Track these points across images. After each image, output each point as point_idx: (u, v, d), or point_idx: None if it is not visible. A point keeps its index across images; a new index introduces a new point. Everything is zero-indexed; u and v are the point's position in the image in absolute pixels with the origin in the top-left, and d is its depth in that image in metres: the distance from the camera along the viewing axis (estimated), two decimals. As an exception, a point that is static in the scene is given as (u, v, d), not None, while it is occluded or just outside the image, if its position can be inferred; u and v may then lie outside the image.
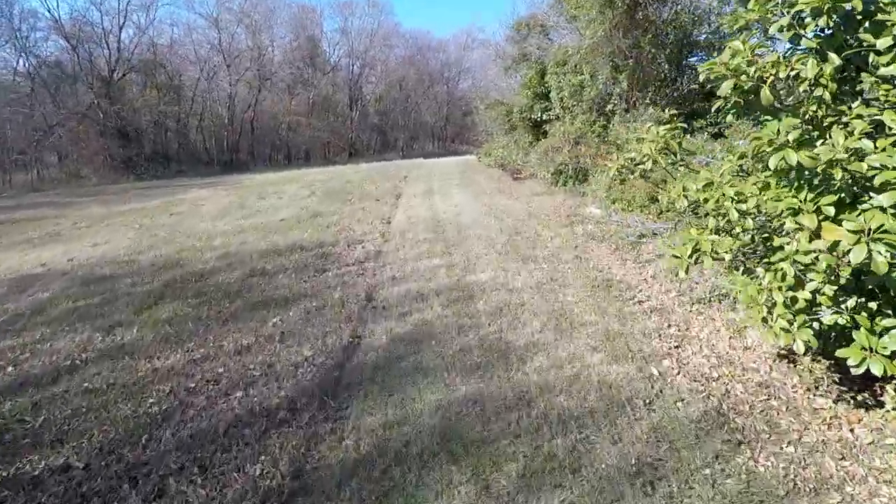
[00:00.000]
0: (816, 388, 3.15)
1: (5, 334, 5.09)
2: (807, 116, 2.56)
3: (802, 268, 2.38)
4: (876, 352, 2.30)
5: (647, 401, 3.21)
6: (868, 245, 2.10)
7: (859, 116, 2.39)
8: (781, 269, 2.38)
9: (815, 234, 2.28)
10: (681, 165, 3.17)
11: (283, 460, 2.94)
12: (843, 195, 2.38)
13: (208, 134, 36.25)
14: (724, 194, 2.56)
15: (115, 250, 8.90)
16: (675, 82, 12.81)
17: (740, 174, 2.72)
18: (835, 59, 2.46)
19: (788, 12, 2.58)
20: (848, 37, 2.57)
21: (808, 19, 2.54)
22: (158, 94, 31.40)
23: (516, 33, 17.86)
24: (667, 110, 11.42)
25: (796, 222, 2.32)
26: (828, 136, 2.43)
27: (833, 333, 2.67)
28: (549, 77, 14.13)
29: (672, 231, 7.22)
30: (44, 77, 29.07)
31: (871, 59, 2.46)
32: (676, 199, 2.80)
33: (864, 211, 2.21)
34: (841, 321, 2.51)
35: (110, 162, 29.06)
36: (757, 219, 2.60)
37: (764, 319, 2.48)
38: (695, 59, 13.42)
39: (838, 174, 2.26)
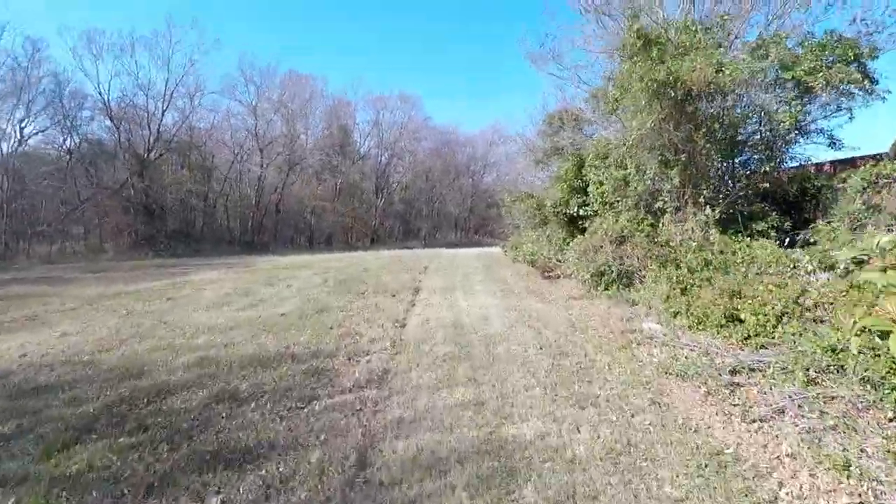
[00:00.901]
0: None
1: None
2: None
3: None
4: None
5: None
6: None
7: None
8: None
9: None
10: None
11: None
12: None
13: (234, 214, 36.68)
14: None
15: (82, 343, 7.53)
16: (727, 182, 11.66)
17: None
18: None
19: None
20: None
21: None
22: (190, 173, 32.16)
23: (548, 126, 17.43)
24: (716, 209, 10.41)
25: None
26: None
27: None
28: (588, 170, 13.09)
29: (776, 366, 5.39)
30: (82, 152, 30.16)
31: None
32: None
33: None
34: None
35: (133, 238, 29.19)
36: None
37: None
38: (743, 157, 12.42)
39: None
